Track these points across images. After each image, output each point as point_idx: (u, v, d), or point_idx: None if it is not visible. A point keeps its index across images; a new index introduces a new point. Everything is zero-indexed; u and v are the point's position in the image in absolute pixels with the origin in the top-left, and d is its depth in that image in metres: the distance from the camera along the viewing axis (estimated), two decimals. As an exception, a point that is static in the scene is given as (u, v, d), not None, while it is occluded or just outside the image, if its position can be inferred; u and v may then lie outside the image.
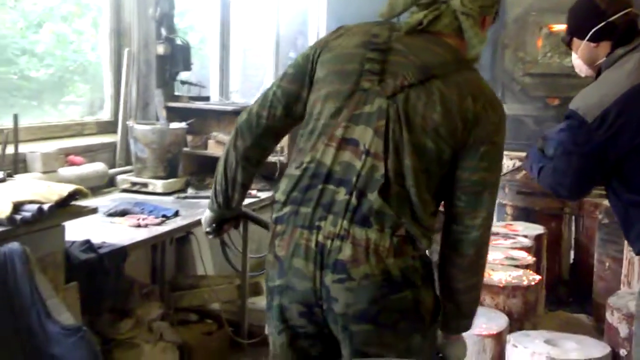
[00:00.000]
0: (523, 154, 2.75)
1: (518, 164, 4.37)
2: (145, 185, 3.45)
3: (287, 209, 1.68)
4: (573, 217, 4.74)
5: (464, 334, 1.85)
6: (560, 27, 5.79)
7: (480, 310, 3.00)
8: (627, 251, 3.60)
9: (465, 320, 1.81)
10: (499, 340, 2.74)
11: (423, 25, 1.71)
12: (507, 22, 7.26)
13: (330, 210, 1.62)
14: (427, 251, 1.69)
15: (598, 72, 2.22)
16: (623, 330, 2.92)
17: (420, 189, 1.63)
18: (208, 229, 2.08)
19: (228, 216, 2.05)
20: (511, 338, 2.73)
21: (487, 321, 2.82)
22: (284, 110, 1.83)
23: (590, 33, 2.17)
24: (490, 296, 3.04)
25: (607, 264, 3.95)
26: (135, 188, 3.45)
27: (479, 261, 1.75)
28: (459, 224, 1.70)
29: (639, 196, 2.09)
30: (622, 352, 2.87)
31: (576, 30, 2.24)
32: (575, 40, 2.25)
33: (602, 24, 2.15)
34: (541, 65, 7.06)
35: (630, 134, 2.05)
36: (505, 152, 5.50)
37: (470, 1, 1.70)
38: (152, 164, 3.48)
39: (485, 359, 2.71)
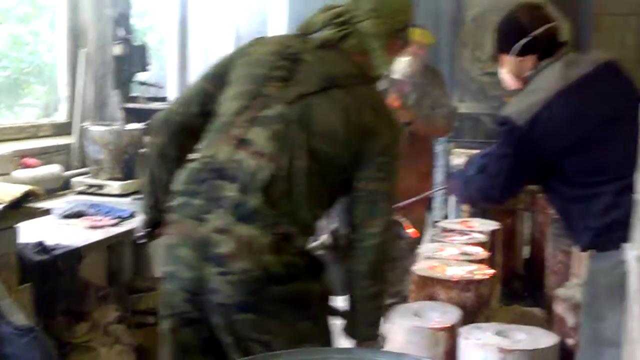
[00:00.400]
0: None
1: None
2: (101, 187, 3.42)
3: (181, 200, 1.76)
4: (529, 214, 4.83)
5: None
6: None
7: (434, 304, 3.07)
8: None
9: (367, 328, 1.86)
10: (452, 333, 2.80)
11: (332, 42, 1.83)
12: (466, 22, 7.36)
13: (218, 204, 1.69)
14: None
15: (525, 85, 2.33)
16: (570, 320, 3.01)
17: (310, 191, 1.71)
18: (140, 234, 2.11)
19: (160, 220, 2.04)
20: (463, 331, 2.79)
21: (440, 315, 2.87)
22: (199, 108, 1.92)
23: (516, 48, 2.28)
24: (444, 291, 3.09)
25: (558, 258, 4.04)
26: (91, 190, 3.41)
27: (379, 270, 1.82)
28: (357, 232, 1.79)
29: (579, 190, 2.19)
30: (570, 341, 2.95)
31: (503, 46, 2.35)
32: (502, 56, 2.36)
33: (526, 39, 2.27)
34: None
35: (561, 133, 2.16)
36: (462, 150, 5.56)
37: (378, 24, 1.82)
38: (109, 165, 3.46)
39: (439, 352, 2.76)
